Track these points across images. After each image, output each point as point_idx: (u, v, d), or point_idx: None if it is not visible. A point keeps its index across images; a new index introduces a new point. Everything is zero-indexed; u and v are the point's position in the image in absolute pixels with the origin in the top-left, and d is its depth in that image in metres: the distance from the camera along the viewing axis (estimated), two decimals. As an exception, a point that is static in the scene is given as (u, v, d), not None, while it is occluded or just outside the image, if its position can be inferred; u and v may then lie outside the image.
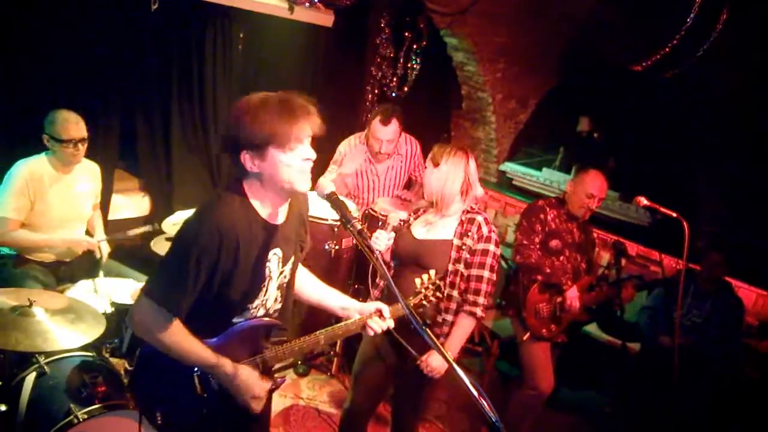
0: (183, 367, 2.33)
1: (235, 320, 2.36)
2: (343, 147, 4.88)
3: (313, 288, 2.78)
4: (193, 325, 2.25)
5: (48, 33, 4.03)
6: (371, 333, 2.63)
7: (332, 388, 4.71)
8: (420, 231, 3.28)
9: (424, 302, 2.88)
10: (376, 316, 2.62)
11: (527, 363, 4.30)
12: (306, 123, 2.18)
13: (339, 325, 2.64)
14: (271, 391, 2.51)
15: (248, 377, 2.34)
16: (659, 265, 4.31)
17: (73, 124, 3.67)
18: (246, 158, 2.16)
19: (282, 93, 2.21)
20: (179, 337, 2.20)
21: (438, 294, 2.93)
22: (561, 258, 4.22)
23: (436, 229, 3.26)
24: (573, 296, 4.14)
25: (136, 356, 2.47)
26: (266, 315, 2.44)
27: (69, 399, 2.86)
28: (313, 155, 2.24)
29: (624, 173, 5.92)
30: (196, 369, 2.35)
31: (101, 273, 3.85)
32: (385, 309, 2.64)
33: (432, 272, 2.92)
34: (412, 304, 2.81)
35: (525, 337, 4.23)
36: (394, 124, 4.67)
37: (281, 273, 2.42)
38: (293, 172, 2.18)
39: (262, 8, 4.87)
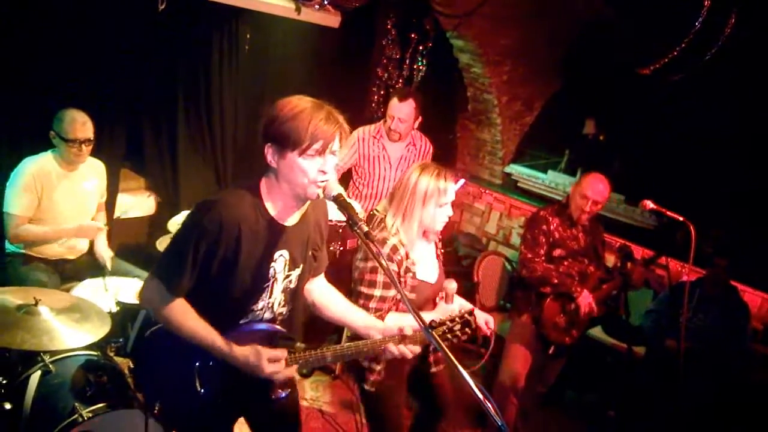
0: (184, 361, 2.36)
1: (242, 323, 2.37)
2: (357, 134, 4.89)
3: (337, 304, 2.73)
4: None
5: (55, 32, 4.03)
6: (389, 357, 2.53)
7: (336, 390, 4.71)
8: (432, 273, 3.16)
9: (449, 336, 2.67)
10: (397, 340, 2.52)
11: (503, 356, 4.32)
12: (333, 138, 2.19)
13: (350, 344, 2.55)
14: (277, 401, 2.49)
15: (247, 352, 2.28)
16: (665, 269, 4.31)
17: (79, 125, 3.69)
18: (269, 151, 2.20)
19: (324, 103, 2.23)
20: (178, 313, 2.26)
21: (468, 330, 2.70)
22: (565, 263, 4.22)
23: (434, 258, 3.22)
24: (586, 302, 4.15)
25: (141, 343, 2.49)
26: (273, 319, 2.44)
27: (73, 398, 2.87)
28: (330, 170, 2.23)
29: (630, 176, 5.90)
30: (196, 364, 2.36)
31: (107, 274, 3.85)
32: (408, 329, 2.51)
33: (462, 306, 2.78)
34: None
35: (550, 351, 4.23)
36: (409, 105, 4.67)
37: (287, 277, 2.41)
38: (306, 180, 2.19)
39: (269, 9, 4.87)
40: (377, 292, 2.91)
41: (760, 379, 4.69)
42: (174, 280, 2.23)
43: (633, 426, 4.81)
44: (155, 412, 2.41)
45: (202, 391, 2.38)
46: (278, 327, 2.46)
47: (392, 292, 2.93)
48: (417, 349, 2.52)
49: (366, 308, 2.89)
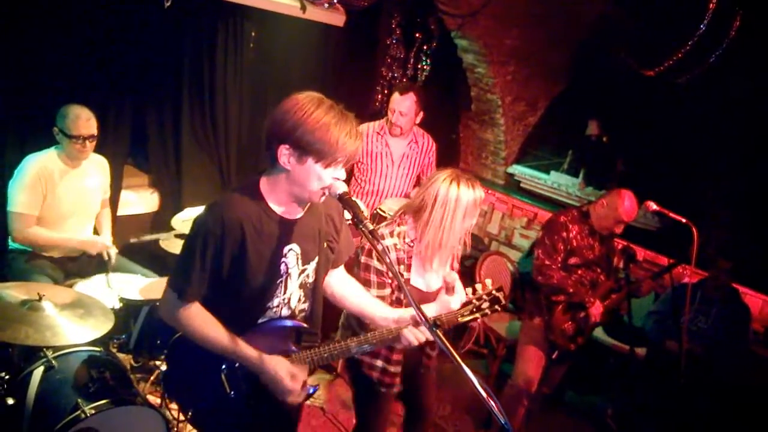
0: (211, 365, 2.36)
1: (260, 321, 2.37)
2: (362, 129, 4.88)
3: (355, 296, 2.72)
4: None
5: (60, 28, 4.04)
6: (406, 344, 2.51)
7: (337, 388, 4.71)
8: (432, 281, 3.07)
9: (477, 314, 2.64)
10: (412, 326, 2.50)
11: (516, 358, 4.31)
12: (357, 153, 2.20)
13: (374, 333, 2.55)
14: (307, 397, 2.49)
15: (276, 363, 2.30)
16: (667, 271, 4.31)
17: (83, 121, 3.69)
18: (283, 152, 2.15)
19: (342, 108, 2.19)
20: (197, 322, 2.27)
21: (497, 307, 2.65)
22: (578, 271, 4.20)
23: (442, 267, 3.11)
24: (597, 313, 4.15)
25: (166, 351, 2.50)
26: (291, 315, 2.43)
27: (76, 394, 2.86)
28: (344, 176, 2.24)
29: (633, 177, 5.91)
30: (223, 367, 2.36)
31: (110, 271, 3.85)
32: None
33: (489, 281, 2.68)
34: (459, 315, 2.65)
35: (554, 357, 4.23)
36: (410, 98, 4.69)
37: (302, 271, 2.40)
38: (319, 186, 2.19)
39: (275, 7, 4.87)
40: (373, 292, 2.90)
41: (761, 382, 4.70)
42: (185, 287, 2.22)
43: (634, 427, 4.82)
44: (188, 418, 2.42)
45: (232, 393, 2.38)
46: (300, 323, 2.45)
47: (387, 291, 2.94)
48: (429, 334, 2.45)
49: None
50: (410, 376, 3.27)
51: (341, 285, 2.72)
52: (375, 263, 2.92)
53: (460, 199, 2.86)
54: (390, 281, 2.93)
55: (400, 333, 2.51)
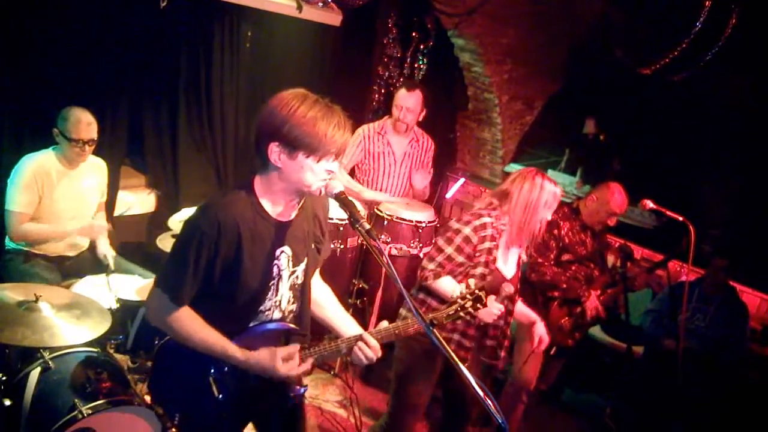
0: (199, 369, 2.33)
1: (252, 325, 2.35)
2: (362, 131, 4.92)
3: (331, 307, 2.69)
4: None
5: (57, 30, 4.04)
6: (358, 358, 2.40)
7: (335, 387, 4.71)
8: (510, 269, 3.31)
9: (461, 314, 2.64)
10: (361, 343, 2.39)
11: (514, 356, 4.31)
12: (347, 143, 2.19)
13: (372, 331, 2.50)
14: (297, 398, 2.51)
15: (262, 355, 2.26)
16: (664, 269, 4.31)
17: (84, 125, 3.68)
18: (273, 150, 2.14)
19: (327, 101, 2.18)
20: (185, 323, 2.23)
21: (479, 306, 2.65)
22: (572, 267, 4.21)
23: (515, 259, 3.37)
24: (593, 305, 4.16)
25: (152, 356, 2.49)
26: (282, 318, 2.41)
27: (73, 394, 2.86)
28: (337, 168, 2.24)
29: (629, 176, 5.91)
30: (212, 371, 2.34)
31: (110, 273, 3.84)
32: (370, 339, 2.39)
33: (472, 281, 2.69)
34: (445, 315, 2.63)
35: (552, 352, 4.23)
36: (417, 95, 4.74)
37: (293, 273, 2.39)
38: (314, 180, 2.18)
39: (271, 7, 4.87)
40: (449, 249, 3.16)
41: (758, 379, 4.70)
42: (177, 289, 2.19)
43: (632, 426, 4.82)
44: (176, 422, 2.41)
45: (221, 396, 2.36)
46: (290, 324, 2.44)
47: (461, 258, 3.15)
48: (374, 354, 2.41)
49: (432, 258, 3.19)
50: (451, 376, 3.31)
51: (319, 291, 2.69)
52: (468, 230, 3.16)
53: (544, 187, 3.18)
54: (471, 252, 3.16)
55: (353, 346, 2.42)
